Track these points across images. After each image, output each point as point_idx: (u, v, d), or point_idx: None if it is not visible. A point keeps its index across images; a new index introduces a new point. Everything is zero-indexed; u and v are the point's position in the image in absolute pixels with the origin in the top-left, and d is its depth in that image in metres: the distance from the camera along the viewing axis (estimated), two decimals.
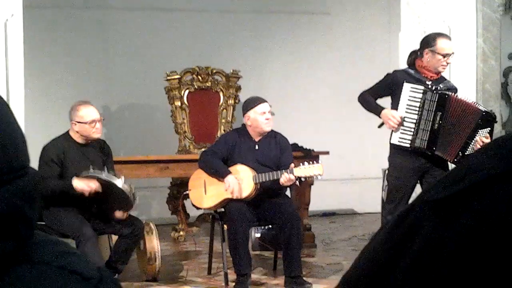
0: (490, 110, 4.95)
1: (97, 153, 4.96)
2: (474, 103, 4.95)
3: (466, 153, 4.70)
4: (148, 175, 6.41)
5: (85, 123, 4.88)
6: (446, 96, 4.78)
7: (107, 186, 4.71)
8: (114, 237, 5.13)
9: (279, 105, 7.85)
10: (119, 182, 4.69)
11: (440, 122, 4.76)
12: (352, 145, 8.42)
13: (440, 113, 4.76)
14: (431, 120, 4.77)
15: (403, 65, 5.99)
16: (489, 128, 4.78)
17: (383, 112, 4.84)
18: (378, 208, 6.03)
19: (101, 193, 4.73)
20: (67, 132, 5.00)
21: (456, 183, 0.58)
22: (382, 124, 4.92)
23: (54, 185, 4.73)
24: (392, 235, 0.63)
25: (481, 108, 4.90)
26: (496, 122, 4.92)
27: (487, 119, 4.79)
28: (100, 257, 4.75)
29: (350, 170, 8.79)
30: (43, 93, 7.88)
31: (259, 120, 5.25)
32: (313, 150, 6.60)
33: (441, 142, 4.79)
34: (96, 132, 4.93)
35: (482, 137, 4.70)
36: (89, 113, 4.91)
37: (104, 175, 4.71)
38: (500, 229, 0.54)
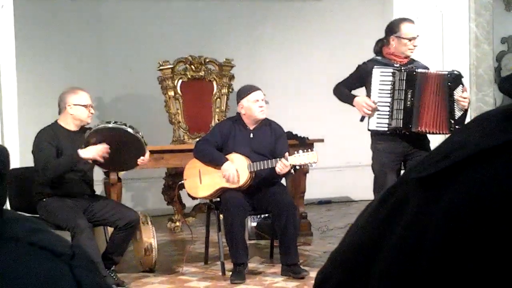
0: (456, 71, 4.99)
1: None
2: (436, 71, 5.01)
3: (456, 118, 4.75)
4: (142, 166, 6.38)
5: (83, 105, 4.93)
6: (414, 73, 4.86)
7: (117, 136, 4.74)
8: (110, 229, 5.12)
9: (273, 93, 7.82)
10: (128, 128, 4.74)
11: (412, 99, 4.84)
12: (346, 133, 8.41)
13: (411, 90, 4.83)
14: (403, 98, 4.84)
15: None
16: (461, 85, 4.88)
17: (355, 100, 4.92)
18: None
19: (114, 147, 4.75)
20: (55, 122, 5.01)
21: (441, 161, 0.58)
22: (363, 117, 4.95)
23: (58, 163, 4.75)
24: (378, 213, 0.63)
25: (443, 72, 4.99)
26: (462, 77, 4.97)
27: (454, 78, 4.87)
28: (96, 248, 4.75)
29: (345, 157, 8.80)
30: (35, 85, 7.84)
31: (253, 108, 5.25)
32: (307, 138, 6.59)
33: (416, 118, 4.83)
34: (90, 117, 5.00)
35: (459, 96, 4.76)
36: (85, 97, 4.99)
37: (111, 124, 4.77)
38: (483, 204, 0.54)
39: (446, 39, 6.07)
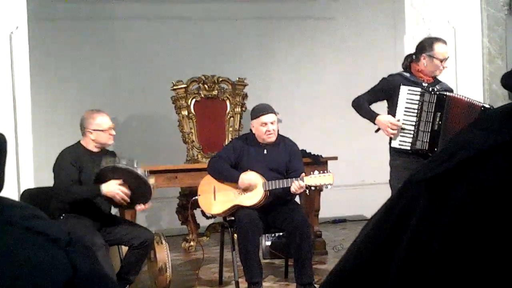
0: (488, 104, 4.94)
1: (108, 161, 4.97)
2: (472, 100, 4.96)
3: None
4: (157, 186, 6.38)
5: (103, 130, 4.95)
6: (445, 96, 4.79)
7: (127, 176, 4.73)
8: (125, 249, 5.12)
9: (286, 112, 7.83)
10: (139, 171, 4.73)
11: (440, 122, 4.77)
12: (361, 150, 8.39)
13: (440, 113, 4.77)
14: (431, 121, 4.78)
15: None
16: None
17: (378, 119, 4.86)
18: None
19: (131, 191, 4.77)
20: (78, 142, 5.03)
21: (447, 161, 0.58)
22: (378, 129, 4.91)
23: (81, 191, 4.77)
24: (388, 216, 0.63)
25: (479, 103, 4.92)
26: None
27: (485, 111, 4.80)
28: (111, 267, 4.74)
29: (360, 175, 8.76)
30: (50, 106, 7.89)
31: (260, 130, 5.27)
32: (321, 156, 6.57)
33: (442, 142, 4.78)
34: (111, 139, 5.02)
35: None
36: (105, 120, 5.00)
37: (123, 163, 4.75)
38: (489, 200, 0.54)
39: (459, 55, 6.05)
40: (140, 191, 4.80)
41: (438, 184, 0.58)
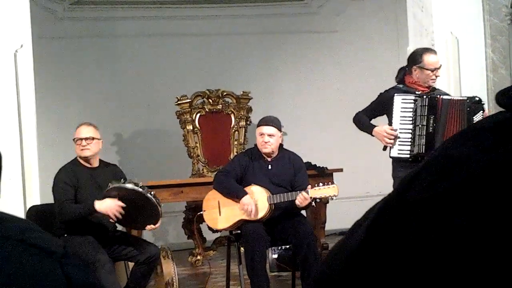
0: (473, 96, 4.99)
1: (107, 177, 4.96)
2: (456, 97, 5.01)
3: None
4: (162, 200, 6.38)
5: (75, 140, 4.99)
6: (436, 98, 4.86)
7: (132, 198, 4.72)
8: (131, 264, 5.11)
9: (290, 124, 7.83)
10: (146, 192, 4.72)
11: (434, 125, 4.85)
12: (366, 162, 8.38)
13: (433, 116, 4.85)
14: (425, 124, 4.86)
15: None
16: (481, 111, 4.90)
17: (375, 130, 4.94)
18: None
19: (128, 209, 4.74)
20: (75, 158, 5.05)
21: (442, 180, 0.55)
22: (385, 146, 4.96)
23: (74, 209, 4.77)
24: (370, 237, 0.61)
25: (462, 97, 5.00)
26: (483, 104, 4.95)
27: (474, 103, 4.88)
28: (117, 283, 4.74)
29: (366, 187, 8.74)
30: (54, 123, 7.92)
31: (258, 140, 5.31)
32: (326, 168, 6.56)
33: (438, 144, 4.80)
34: (84, 152, 4.97)
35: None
36: (82, 130, 5.00)
37: (130, 185, 4.73)
38: (496, 226, 0.52)
39: (462, 65, 6.05)
40: (148, 211, 4.80)
41: (434, 207, 0.56)
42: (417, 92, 4.92)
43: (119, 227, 5.41)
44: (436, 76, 4.98)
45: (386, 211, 0.61)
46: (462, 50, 6.05)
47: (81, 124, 5.11)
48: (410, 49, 6.21)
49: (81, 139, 4.96)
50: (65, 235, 4.85)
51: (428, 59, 4.94)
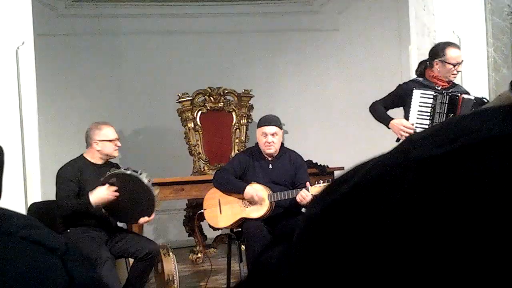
0: (481, 97, 4.99)
1: None
2: (478, 97, 4.99)
3: None
4: (163, 198, 6.39)
5: (109, 141, 5.01)
6: (457, 97, 4.82)
7: (130, 186, 4.73)
8: (131, 261, 5.12)
9: (291, 123, 7.84)
10: (144, 179, 4.73)
11: None
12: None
13: (452, 114, 4.80)
14: None
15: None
16: None
17: (392, 122, 4.88)
18: None
19: (124, 197, 4.75)
20: (81, 155, 5.07)
21: (448, 144, 0.55)
22: (398, 139, 4.92)
23: (70, 204, 4.78)
24: (360, 191, 0.59)
25: (483, 99, 4.95)
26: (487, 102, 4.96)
27: (480, 104, 4.84)
28: (117, 280, 4.74)
29: None
30: (56, 120, 7.93)
31: (260, 141, 5.30)
32: (327, 166, 6.57)
33: None
34: (117, 150, 5.08)
35: None
36: (111, 131, 5.07)
37: (129, 171, 4.76)
38: (493, 191, 0.52)
39: (464, 64, 6.04)
40: (144, 202, 4.80)
41: (435, 166, 0.56)
42: (437, 88, 4.89)
43: (119, 225, 5.42)
44: (458, 71, 4.93)
45: (383, 169, 0.60)
46: (464, 49, 6.04)
47: (102, 124, 5.13)
48: (412, 48, 6.21)
49: (113, 140, 5.04)
50: (67, 230, 4.87)
51: (450, 53, 4.89)
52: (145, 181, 4.73)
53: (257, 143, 5.42)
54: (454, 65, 4.87)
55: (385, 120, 4.96)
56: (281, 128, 5.36)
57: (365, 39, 8.92)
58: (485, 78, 6.04)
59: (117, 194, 4.74)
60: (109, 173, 4.75)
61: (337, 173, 6.48)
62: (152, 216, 4.96)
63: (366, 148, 8.37)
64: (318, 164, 6.58)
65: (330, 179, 5.32)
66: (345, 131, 8.49)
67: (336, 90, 8.79)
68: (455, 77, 4.96)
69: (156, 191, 4.83)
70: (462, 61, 4.95)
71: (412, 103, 4.86)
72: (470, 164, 0.54)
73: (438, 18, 6.06)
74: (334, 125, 8.61)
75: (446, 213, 0.53)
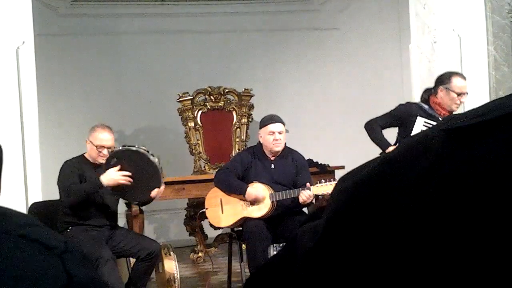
0: None
1: None
2: None
3: None
4: (164, 197, 6.39)
5: (94, 145, 4.95)
6: None
7: (134, 161, 4.71)
8: (133, 261, 5.12)
9: (292, 122, 7.83)
10: (150, 156, 4.72)
11: None
12: (367, 159, 8.37)
13: None
14: None
15: (414, 76, 5.98)
16: None
17: (390, 149, 4.89)
18: None
19: (132, 172, 4.74)
20: (82, 155, 5.06)
21: (480, 117, 0.57)
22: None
23: (81, 188, 4.77)
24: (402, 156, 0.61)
25: None
26: None
27: None
28: (119, 279, 4.74)
29: None
30: (57, 120, 7.93)
31: (268, 139, 5.29)
32: (328, 165, 6.57)
33: None
34: (101, 158, 4.95)
35: None
36: (101, 137, 4.96)
37: (135, 147, 4.74)
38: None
39: (465, 63, 6.04)
40: (152, 175, 4.79)
41: (468, 134, 0.57)
42: (439, 118, 4.87)
43: (120, 224, 5.42)
44: (461, 102, 4.93)
45: (413, 141, 0.62)
46: (464, 47, 6.04)
47: (102, 127, 5.04)
48: (412, 46, 6.21)
49: (103, 147, 4.94)
50: (68, 230, 4.87)
51: (456, 81, 4.90)
52: (148, 154, 4.72)
53: (259, 142, 5.42)
54: (458, 94, 4.88)
55: (383, 146, 4.97)
56: (284, 126, 5.38)
57: (365, 37, 8.92)
58: (486, 76, 6.03)
59: (129, 178, 4.71)
60: (121, 148, 4.73)
61: (337, 172, 6.48)
62: (163, 187, 4.93)
63: (367, 146, 8.38)
64: (319, 163, 6.58)
65: (331, 178, 5.30)
66: (345, 129, 8.48)
67: (336, 89, 8.78)
68: (457, 107, 4.95)
69: (156, 159, 4.81)
70: (467, 92, 4.94)
71: (414, 129, 4.86)
72: (498, 133, 0.55)
73: (438, 16, 6.05)
74: (334, 123, 8.60)
75: (470, 180, 0.54)
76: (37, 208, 5.06)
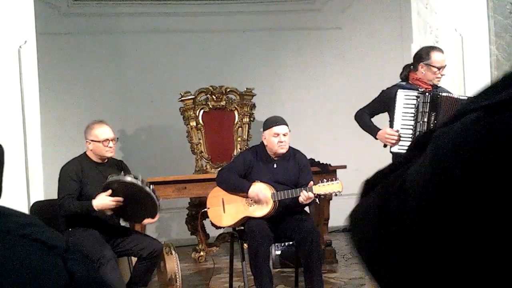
0: (463, 94, 5.05)
1: (114, 173, 4.96)
2: (459, 95, 5.01)
3: None
4: (166, 196, 6.39)
5: (99, 141, 4.92)
6: (438, 96, 4.86)
7: (131, 191, 4.69)
8: (134, 260, 5.12)
9: (294, 121, 7.82)
10: (145, 185, 4.69)
11: (435, 122, 4.85)
12: (369, 159, 8.35)
13: (434, 113, 4.85)
14: (426, 121, 4.86)
15: None
16: None
17: (379, 133, 4.96)
18: None
19: (127, 201, 4.72)
20: (84, 153, 5.05)
21: (494, 96, 0.59)
22: (385, 144, 4.99)
23: (72, 207, 4.75)
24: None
25: (463, 97, 5.00)
26: None
27: (462, 101, 4.86)
28: (121, 278, 4.74)
29: None
30: (59, 119, 7.93)
31: (272, 141, 5.28)
32: (330, 164, 6.57)
33: None
34: (109, 151, 4.96)
35: None
36: (103, 131, 4.95)
37: (129, 178, 4.67)
38: None
39: (466, 62, 6.04)
40: (146, 205, 4.78)
41: (495, 111, 0.59)
42: (420, 89, 4.93)
43: (122, 223, 5.43)
44: (442, 75, 5.00)
45: (437, 127, 0.65)
46: (466, 47, 6.03)
47: (98, 122, 5.03)
48: (414, 46, 6.20)
49: (108, 140, 4.93)
50: (70, 229, 4.87)
51: (435, 56, 4.98)
52: (144, 187, 4.67)
53: (262, 142, 5.41)
54: (439, 69, 4.97)
55: (372, 132, 5.06)
56: (288, 128, 5.38)
57: (367, 37, 8.92)
58: (488, 76, 6.02)
59: (120, 201, 4.68)
60: (110, 179, 4.69)
61: (339, 172, 6.48)
62: (156, 218, 4.93)
63: (369, 146, 8.38)
64: (321, 162, 6.58)
65: (332, 178, 5.31)
66: (347, 129, 8.46)
67: (338, 88, 8.78)
68: (439, 81, 5.05)
69: (156, 193, 4.79)
70: (446, 65, 5.03)
71: (396, 105, 4.92)
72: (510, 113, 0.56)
73: (440, 16, 6.05)
74: (336, 123, 8.60)
75: (486, 158, 0.56)
76: (39, 207, 5.06)
